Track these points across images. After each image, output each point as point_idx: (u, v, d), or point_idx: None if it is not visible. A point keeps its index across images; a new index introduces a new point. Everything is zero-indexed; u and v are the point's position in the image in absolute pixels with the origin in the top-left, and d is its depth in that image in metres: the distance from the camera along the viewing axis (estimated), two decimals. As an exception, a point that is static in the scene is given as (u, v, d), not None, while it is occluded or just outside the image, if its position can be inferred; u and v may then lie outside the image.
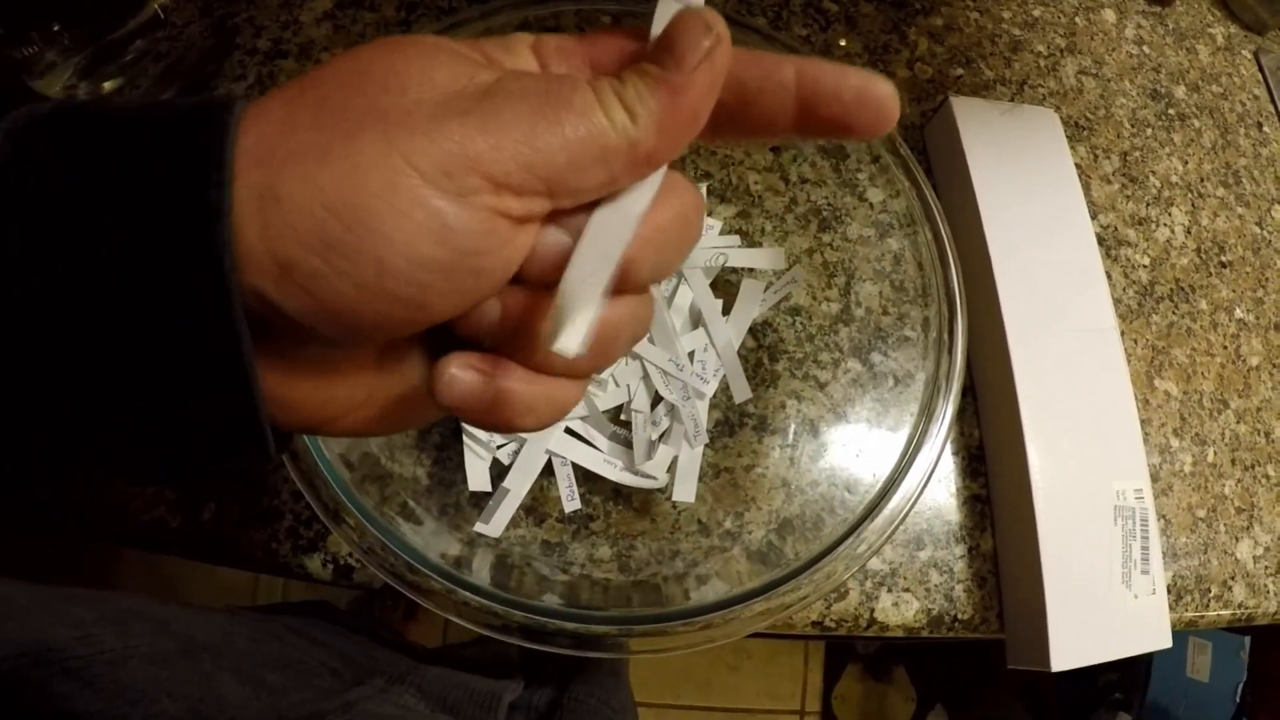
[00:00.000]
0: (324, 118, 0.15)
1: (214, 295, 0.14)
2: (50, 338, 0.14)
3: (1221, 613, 0.45)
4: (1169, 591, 0.43)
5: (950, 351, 0.35)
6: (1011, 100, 0.52)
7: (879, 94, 0.17)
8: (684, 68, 0.16)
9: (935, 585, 0.41)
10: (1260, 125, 0.58)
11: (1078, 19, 0.56)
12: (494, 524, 0.35)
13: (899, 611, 0.40)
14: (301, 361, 0.17)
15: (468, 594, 0.29)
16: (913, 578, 0.41)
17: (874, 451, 0.38)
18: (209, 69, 0.45)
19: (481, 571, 0.32)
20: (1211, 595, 0.45)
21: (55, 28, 0.41)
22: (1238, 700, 0.88)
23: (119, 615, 0.31)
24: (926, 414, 0.35)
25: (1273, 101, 0.59)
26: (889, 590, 0.40)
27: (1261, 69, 0.60)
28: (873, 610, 0.40)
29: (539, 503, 0.38)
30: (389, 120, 0.15)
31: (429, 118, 0.15)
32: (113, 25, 0.44)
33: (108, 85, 0.44)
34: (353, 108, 0.15)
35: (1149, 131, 0.54)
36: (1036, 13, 0.55)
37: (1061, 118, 0.48)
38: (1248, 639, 0.91)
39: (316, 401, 0.17)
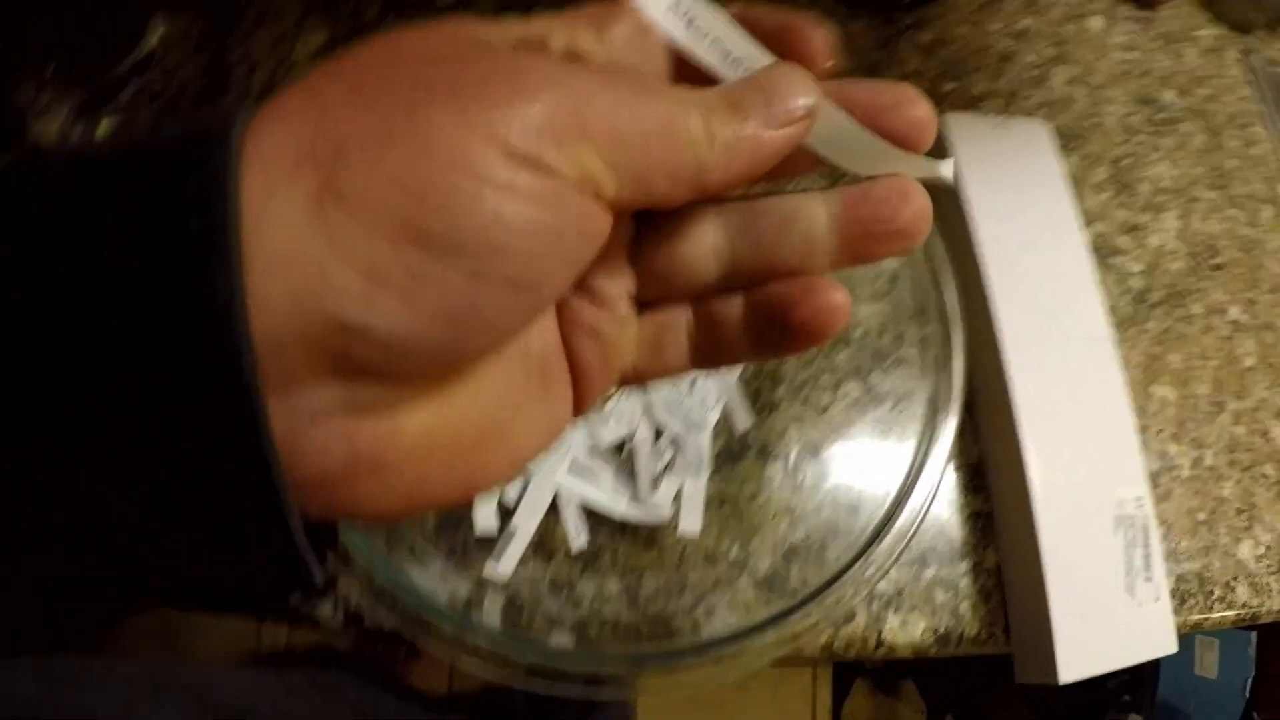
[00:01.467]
0: (370, 99, 0.13)
1: (239, 427, 0.11)
2: (52, 462, 0.12)
3: (1226, 614, 0.46)
4: (1172, 595, 0.43)
5: (948, 369, 0.36)
6: (1002, 112, 0.52)
7: (917, 113, 0.17)
8: (774, 123, 0.16)
9: (941, 603, 0.41)
10: (1249, 125, 0.58)
11: (1065, 27, 0.56)
12: (504, 564, 0.35)
13: (906, 632, 0.40)
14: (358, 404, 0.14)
15: (478, 639, 0.29)
16: (918, 597, 0.41)
17: (877, 474, 0.38)
18: (204, 108, 0.46)
19: (491, 612, 0.32)
20: (1215, 597, 0.45)
21: (49, 71, 0.41)
22: (1247, 695, 0.88)
23: (152, 688, 0.31)
24: (928, 434, 0.35)
25: (1261, 101, 0.59)
26: (895, 611, 0.40)
27: (1250, 69, 0.60)
28: (880, 632, 0.40)
29: (546, 540, 0.38)
30: (457, 89, 0.13)
31: (504, 86, 0.13)
32: (107, 66, 0.44)
33: (104, 124, 0.44)
34: (399, 84, 0.13)
35: (1139, 137, 0.54)
36: (1025, 22, 0.55)
37: (1053, 128, 0.48)
38: (1254, 634, 0.91)
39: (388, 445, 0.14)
